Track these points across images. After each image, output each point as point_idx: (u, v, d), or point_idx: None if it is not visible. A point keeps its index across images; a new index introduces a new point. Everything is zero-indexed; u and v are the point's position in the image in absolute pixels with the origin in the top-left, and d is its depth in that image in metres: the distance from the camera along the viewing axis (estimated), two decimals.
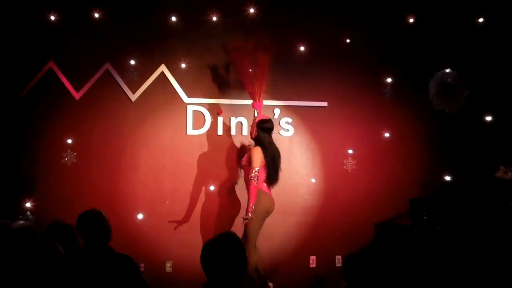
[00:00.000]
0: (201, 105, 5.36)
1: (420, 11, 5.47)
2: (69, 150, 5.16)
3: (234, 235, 2.42)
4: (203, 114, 5.35)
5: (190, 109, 5.35)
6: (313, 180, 5.43)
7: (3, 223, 3.50)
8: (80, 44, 5.20)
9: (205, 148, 5.34)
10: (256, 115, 4.88)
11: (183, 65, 5.31)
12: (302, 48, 5.40)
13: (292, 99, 5.43)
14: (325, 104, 5.47)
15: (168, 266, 5.20)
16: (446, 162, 5.47)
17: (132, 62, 5.27)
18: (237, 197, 5.27)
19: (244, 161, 4.77)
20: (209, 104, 5.36)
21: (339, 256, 5.35)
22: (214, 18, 5.30)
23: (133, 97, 5.28)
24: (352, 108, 5.48)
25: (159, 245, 5.18)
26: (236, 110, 5.38)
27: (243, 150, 5.27)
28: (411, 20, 5.48)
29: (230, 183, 5.32)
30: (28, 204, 4.98)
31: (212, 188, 5.29)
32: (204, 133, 5.34)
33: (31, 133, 5.12)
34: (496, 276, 4.48)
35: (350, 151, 5.46)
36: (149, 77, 5.31)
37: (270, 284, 4.78)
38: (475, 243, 4.71)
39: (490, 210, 4.90)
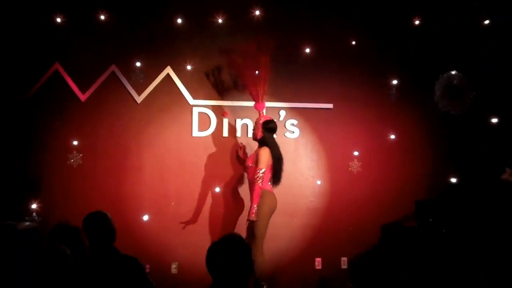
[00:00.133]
0: (206, 107, 5.36)
1: (425, 13, 5.46)
2: (75, 152, 5.17)
3: (239, 237, 2.43)
4: (209, 116, 5.36)
5: (195, 111, 5.35)
6: (318, 182, 5.42)
7: (9, 224, 3.53)
8: (86, 46, 5.20)
9: (210, 150, 5.34)
10: (260, 116, 4.88)
11: (188, 67, 5.31)
12: (307, 50, 5.39)
13: (298, 101, 5.43)
14: (330, 106, 5.46)
15: (174, 268, 5.20)
16: (451, 164, 5.45)
17: (138, 64, 5.27)
18: (241, 197, 5.27)
19: (249, 161, 4.77)
20: (215, 106, 5.37)
21: (345, 258, 5.35)
22: (220, 20, 5.29)
23: (139, 99, 5.29)
24: (357, 110, 5.47)
25: (165, 247, 5.18)
26: (242, 112, 5.38)
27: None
28: (417, 22, 5.47)
29: (235, 184, 5.33)
30: (34, 206, 4.98)
31: (217, 189, 5.29)
32: (210, 134, 5.35)
33: (37, 135, 5.13)
34: (502, 278, 4.46)
35: (356, 153, 5.46)
36: (154, 79, 5.32)
37: (263, 283, 4.70)
38: (481, 245, 4.68)
39: (496, 212, 4.86)
